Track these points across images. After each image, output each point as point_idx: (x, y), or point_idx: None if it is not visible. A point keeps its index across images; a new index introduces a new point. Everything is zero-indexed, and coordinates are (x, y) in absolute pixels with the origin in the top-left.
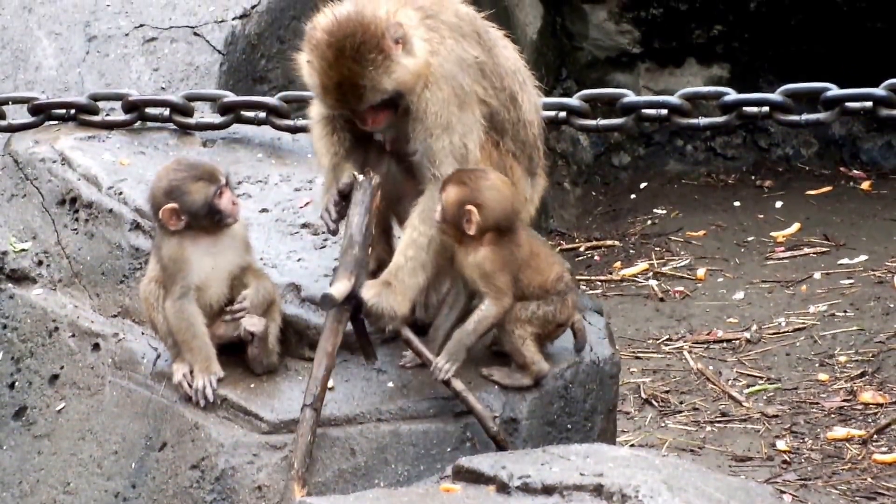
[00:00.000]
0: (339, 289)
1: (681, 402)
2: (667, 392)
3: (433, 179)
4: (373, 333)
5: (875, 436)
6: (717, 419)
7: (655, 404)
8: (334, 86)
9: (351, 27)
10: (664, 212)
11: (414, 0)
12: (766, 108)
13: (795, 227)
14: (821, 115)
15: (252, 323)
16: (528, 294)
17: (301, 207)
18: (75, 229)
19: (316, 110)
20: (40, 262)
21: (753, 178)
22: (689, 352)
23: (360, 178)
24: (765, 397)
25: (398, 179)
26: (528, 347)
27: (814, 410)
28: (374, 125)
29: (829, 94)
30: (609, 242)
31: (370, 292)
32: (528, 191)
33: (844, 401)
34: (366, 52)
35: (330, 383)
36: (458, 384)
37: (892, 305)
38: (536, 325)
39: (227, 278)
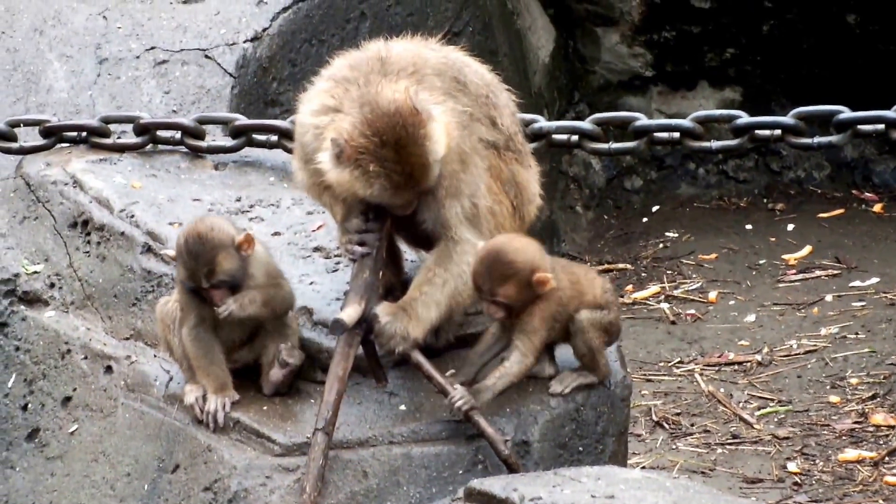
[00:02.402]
0: (350, 313)
1: (692, 425)
2: (678, 414)
3: (448, 238)
4: (383, 357)
5: (886, 458)
6: (729, 441)
7: (666, 426)
8: (406, 177)
9: (392, 118)
10: (676, 235)
11: (398, 70)
12: (778, 131)
13: (807, 249)
14: (833, 138)
15: (291, 354)
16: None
17: (313, 231)
18: (87, 252)
19: (300, 178)
20: (52, 285)
21: (765, 200)
22: (701, 374)
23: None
24: (776, 419)
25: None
26: (602, 351)
27: (825, 432)
28: (416, 203)
29: (842, 116)
30: (621, 266)
31: (384, 312)
32: (534, 186)
33: (856, 423)
34: (417, 132)
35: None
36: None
37: None
38: (604, 332)
39: (239, 325)
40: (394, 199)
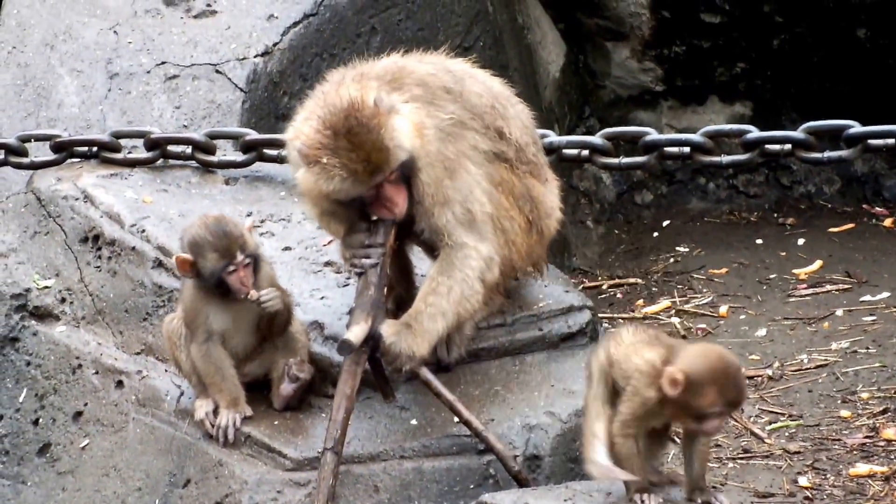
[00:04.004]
0: (357, 333)
1: None
2: None
3: (448, 246)
4: (391, 374)
5: None
6: (739, 455)
7: (677, 441)
8: (363, 163)
9: (343, 112)
10: (686, 249)
11: (375, 77)
12: (788, 146)
13: (818, 264)
14: (843, 153)
15: (301, 369)
16: None
17: (324, 245)
18: (98, 267)
19: (310, 210)
20: (63, 300)
21: (776, 215)
22: None
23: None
24: (787, 434)
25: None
26: None
27: (836, 447)
28: (402, 205)
29: (852, 131)
30: (631, 280)
31: (389, 331)
32: (551, 200)
33: (867, 437)
34: (371, 122)
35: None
36: (477, 424)
37: None
38: None
39: (251, 328)
40: (356, 188)
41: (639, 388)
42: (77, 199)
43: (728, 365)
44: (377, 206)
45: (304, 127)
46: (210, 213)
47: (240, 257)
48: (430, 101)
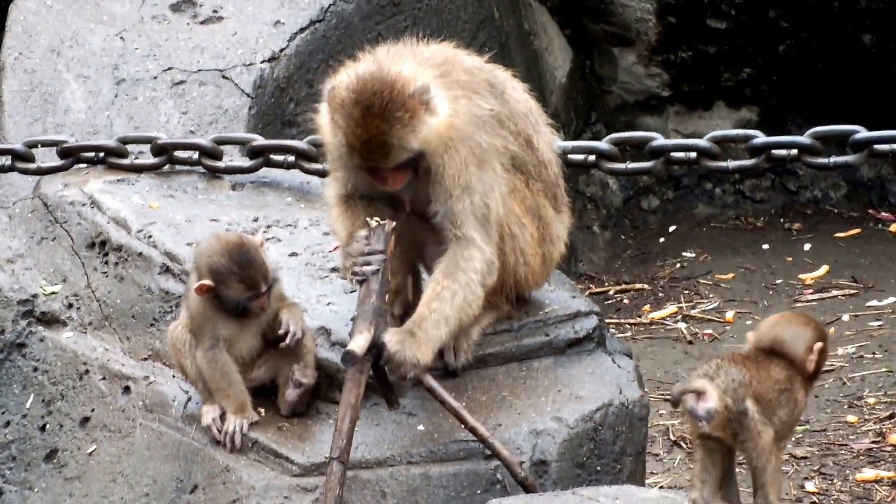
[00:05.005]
0: (360, 342)
1: None
2: None
3: (455, 239)
4: (395, 382)
5: None
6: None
7: (684, 446)
8: (361, 144)
9: (377, 85)
10: (693, 255)
11: (426, 59)
12: (794, 151)
13: (824, 269)
14: (849, 158)
15: (304, 374)
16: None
17: (330, 251)
18: (105, 272)
19: (332, 191)
20: (70, 305)
21: (782, 220)
22: None
23: (374, 223)
24: (793, 439)
25: (418, 228)
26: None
27: (843, 452)
28: (393, 185)
29: (858, 136)
30: (638, 285)
31: (393, 339)
32: (560, 229)
33: (873, 442)
34: (393, 111)
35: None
36: (483, 430)
37: None
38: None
39: (257, 333)
40: (348, 158)
41: (795, 394)
42: (84, 205)
43: (806, 316)
44: (374, 176)
45: (345, 74)
46: (226, 234)
47: (263, 288)
48: (475, 90)
